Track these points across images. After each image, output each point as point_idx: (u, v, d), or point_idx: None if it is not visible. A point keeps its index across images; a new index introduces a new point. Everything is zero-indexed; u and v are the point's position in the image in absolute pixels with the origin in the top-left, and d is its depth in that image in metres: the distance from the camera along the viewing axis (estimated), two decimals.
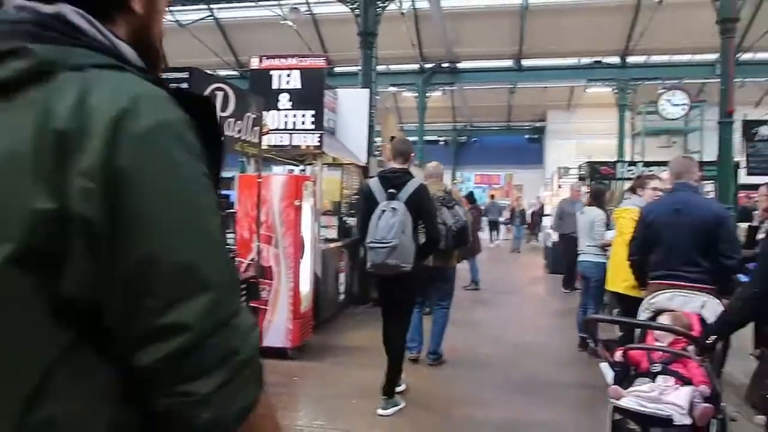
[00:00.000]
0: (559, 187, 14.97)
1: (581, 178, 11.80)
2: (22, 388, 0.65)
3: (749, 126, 9.24)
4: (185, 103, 0.73)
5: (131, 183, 0.65)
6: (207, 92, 4.09)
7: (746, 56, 14.37)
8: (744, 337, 3.39)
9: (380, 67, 12.54)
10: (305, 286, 5.62)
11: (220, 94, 4.75)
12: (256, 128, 5.47)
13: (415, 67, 16.19)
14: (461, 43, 14.58)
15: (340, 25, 12.68)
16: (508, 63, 15.91)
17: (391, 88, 17.60)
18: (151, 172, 0.67)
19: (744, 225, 6.43)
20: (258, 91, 6.58)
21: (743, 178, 9.85)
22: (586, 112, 19.78)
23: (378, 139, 10.50)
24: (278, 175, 6.51)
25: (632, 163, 11.76)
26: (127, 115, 0.65)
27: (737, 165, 10.20)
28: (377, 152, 9.69)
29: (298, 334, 5.38)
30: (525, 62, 15.66)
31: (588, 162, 11.91)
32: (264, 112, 5.89)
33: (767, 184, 4.66)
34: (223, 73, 14.40)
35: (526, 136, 24.81)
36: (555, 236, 8.91)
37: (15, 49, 0.67)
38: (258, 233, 5.24)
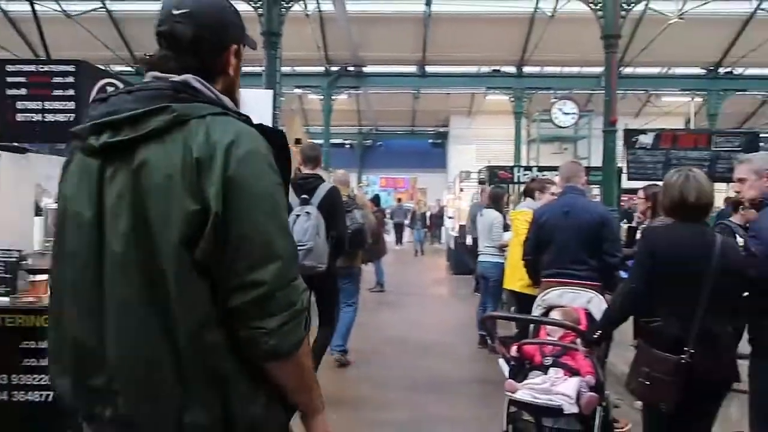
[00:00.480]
0: (461, 190, 15.47)
1: (481, 182, 12.27)
2: (200, 316, 1.07)
3: (630, 134, 9.97)
4: (267, 134, 1.17)
5: (237, 187, 1.06)
6: (97, 87, 3.91)
7: (628, 70, 15.59)
8: (625, 329, 3.65)
9: (285, 69, 12.39)
10: None
11: (111, 90, 4.51)
12: None
13: (321, 69, 16.15)
14: (367, 47, 14.72)
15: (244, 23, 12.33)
16: (413, 69, 16.26)
17: (296, 90, 17.44)
18: (248, 180, 1.08)
19: (625, 226, 6.97)
20: None
21: (625, 182, 10.64)
22: (486, 118, 20.61)
23: None
24: None
25: (528, 168, 12.38)
26: (233, 144, 1.07)
27: (620, 170, 11.01)
28: None
29: None
30: (428, 68, 16.07)
31: (487, 166, 12.40)
32: None
33: (645, 188, 5.03)
34: (117, 68, 13.60)
35: (430, 141, 25.45)
36: (469, 239, 9.21)
37: (162, 107, 1.09)
38: None
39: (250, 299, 1.04)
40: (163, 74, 1.17)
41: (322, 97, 16.78)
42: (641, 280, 2.68)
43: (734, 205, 4.43)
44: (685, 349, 2.52)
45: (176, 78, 1.15)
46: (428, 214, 21.08)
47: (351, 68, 15.86)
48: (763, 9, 12.83)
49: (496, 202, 6.41)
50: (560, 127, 17.66)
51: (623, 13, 9.53)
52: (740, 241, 2.95)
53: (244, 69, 1.32)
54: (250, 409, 1.11)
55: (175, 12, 1.17)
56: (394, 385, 5.04)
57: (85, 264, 1.13)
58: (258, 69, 9.22)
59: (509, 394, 2.99)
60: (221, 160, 1.05)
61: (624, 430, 3.86)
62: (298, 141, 6.20)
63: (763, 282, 2.63)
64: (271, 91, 9.19)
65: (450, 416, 4.41)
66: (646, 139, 10.03)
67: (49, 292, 1.29)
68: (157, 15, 1.22)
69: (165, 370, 1.07)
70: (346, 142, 24.93)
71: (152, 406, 1.08)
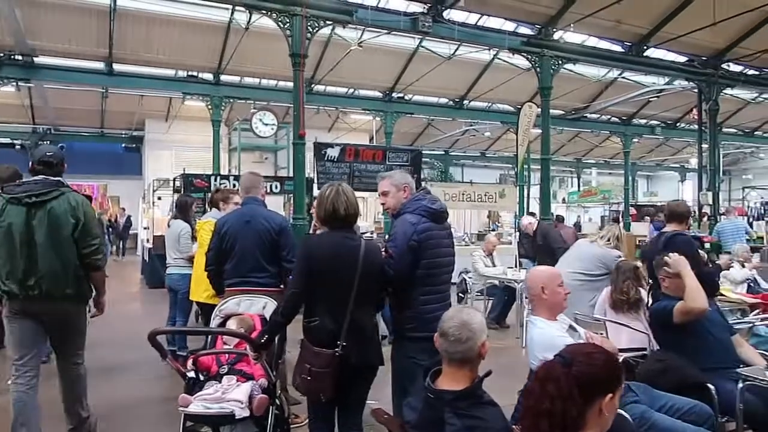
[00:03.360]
0: (159, 198, 14.65)
1: (177, 191, 11.80)
2: (74, 257, 3.70)
3: (319, 147, 10.78)
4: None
5: (85, 215, 3.67)
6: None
7: (319, 87, 16.83)
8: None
9: None
10: None
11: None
12: None
13: None
14: (38, 35, 12.84)
15: None
16: (99, 65, 14.76)
17: None
18: (88, 212, 3.72)
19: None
20: None
21: (317, 191, 11.44)
22: (185, 124, 19.91)
23: None
24: None
25: (225, 177, 12.36)
26: (82, 201, 3.83)
27: (311, 180, 11.81)
28: None
29: None
30: (117, 67, 14.76)
31: (182, 174, 11.99)
32: None
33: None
34: None
35: (123, 145, 23.43)
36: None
37: (57, 188, 3.63)
38: None
39: (91, 250, 3.67)
40: (48, 177, 3.64)
41: None
42: (300, 284, 2.93)
43: None
44: (338, 342, 2.84)
45: (53, 178, 3.66)
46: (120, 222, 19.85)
47: (18, 57, 13.61)
48: (423, 46, 15.25)
49: (183, 211, 6.23)
50: (260, 137, 18.17)
51: (309, 35, 10.25)
52: None
53: None
54: (85, 287, 3.76)
55: (48, 154, 3.70)
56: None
57: (21, 244, 3.51)
58: None
59: (183, 408, 2.95)
60: (81, 206, 3.65)
61: (302, 424, 4.15)
62: None
63: (398, 279, 3.13)
64: None
65: None
66: (333, 152, 10.96)
67: None
68: None
69: (61, 275, 3.58)
70: (16, 141, 21.26)
71: (56, 286, 3.57)
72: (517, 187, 14.27)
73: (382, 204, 3.51)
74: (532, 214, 11.48)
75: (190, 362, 3.24)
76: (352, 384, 2.94)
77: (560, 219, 13.54)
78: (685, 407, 3.16)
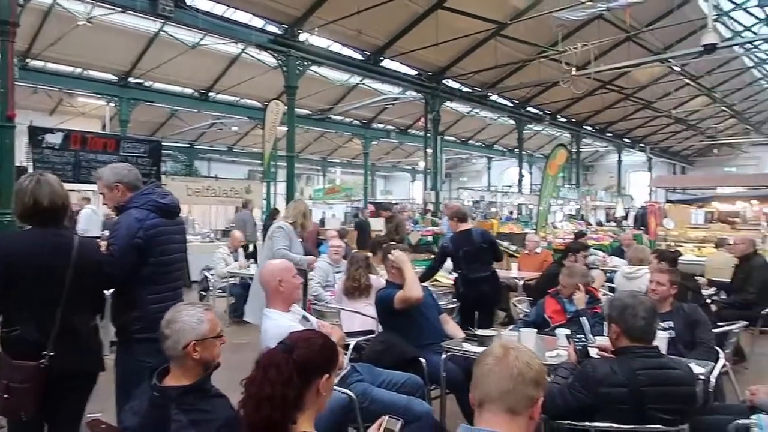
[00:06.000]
0: None
1: None
2: None
3: (36, 132, 9.38)
4: None
5: None
6: None
7: (37, 63, 14.60)
8: None
9: None
10: None
11: None
12: None
13: None
14: None
15: None
16: None
17: None
18: None
19: None
20: None
21: None
22: None
23: None
24: None
25: None
26: None
27: (25, 169, 10.20)
28: None
29: None
30: None
31: None
32: None
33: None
34: None
35: None
36: None
37: None
38: None
39: None
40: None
41: None
42: None
43: None
44: (44, 353, 2.51)
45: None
46: None
47: None
48: (165, 32, 14.30)
49: None
50: None
51: (22, 1, 8.83)
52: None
53: None
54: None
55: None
56: None
57: None
58: None
59: None
60: None
61: None
62: None
63: (119, 279, 2.89)
64: None
65: None
66: (54, 139, 9.67)
67: None
68: None
69: None
70: None
71: None
72: (264, 184, 14.35)
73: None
74: (276, 211, 11.69)
75: None
76: (63, 397, 2.63)
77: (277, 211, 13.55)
78: (401, 381, 3.56)
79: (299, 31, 12.83)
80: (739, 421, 2.81)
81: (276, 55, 12.65)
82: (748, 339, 6.31)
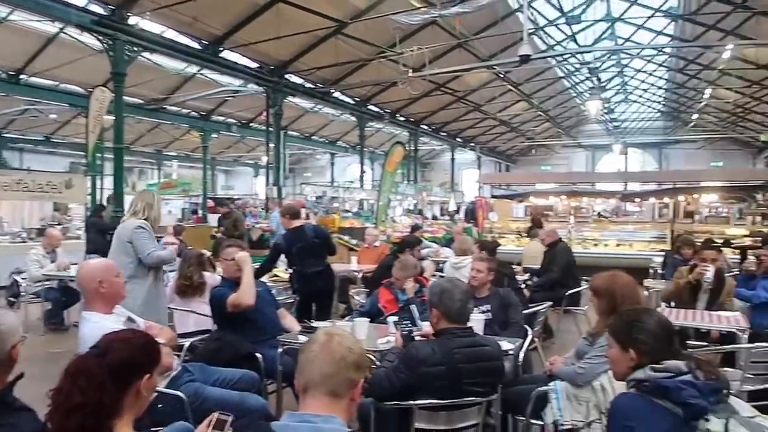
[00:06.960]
0: None
1: None
2: None
3: None
4: None
5: None
6: None
7: None
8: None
9: None
10: None
11: None
12: None
13: None
14: None
15: None
16: None
17: None
18: None
19: None
20: None
21: None
22: None
23: None
24: None
25: None
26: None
27: None
28: None
29: None
30: None
31: None
32: None
33: None
34: None
35: None
36: None
37: None
38: None
39: None
40: None
41: None
42: None
43: None
44: None
45: None
46: None
47: None
48: (66, 33, 12.49)
49: None
50: None
51: None
52: None
53: None
54: None
55: None
56: None
57: None
58: None
59: None
60: None
61: None
62: None
63: None
64: None
65: None
66: None
67: None
68: None
69: None
70: None
71: None
72: (89, 178, 13.14)
73: None
74: (102, 207, 10.79)
75: None
76: None
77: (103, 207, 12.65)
78: (235, 377, 3.51)
79: (128, 14, 11.87)
80: (540, 389, 3.21)
81: (101, 38, 11.59)
82: (555, 317, 7.17)
